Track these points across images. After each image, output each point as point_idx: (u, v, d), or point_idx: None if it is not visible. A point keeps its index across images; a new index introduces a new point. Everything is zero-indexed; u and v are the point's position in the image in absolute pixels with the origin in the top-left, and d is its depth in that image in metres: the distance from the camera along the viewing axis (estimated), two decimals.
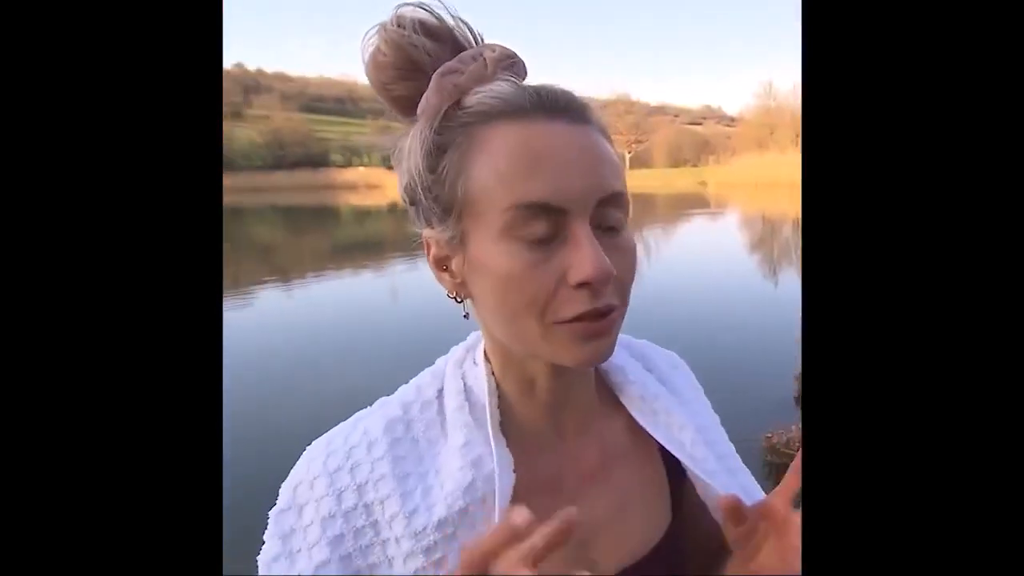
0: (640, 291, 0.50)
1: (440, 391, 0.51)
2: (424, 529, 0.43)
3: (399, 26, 0.44)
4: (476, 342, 0.53)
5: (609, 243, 0.42)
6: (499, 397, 0.49)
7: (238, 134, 70.63)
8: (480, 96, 0.43)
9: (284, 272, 10.57)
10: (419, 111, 0.45)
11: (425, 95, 0.44)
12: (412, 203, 0.46)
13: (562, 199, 0.40)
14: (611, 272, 0.40)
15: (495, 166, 0.41)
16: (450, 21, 0.45)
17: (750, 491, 0.55)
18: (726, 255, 10.86)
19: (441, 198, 0.43)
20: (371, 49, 0.45)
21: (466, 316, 0.49)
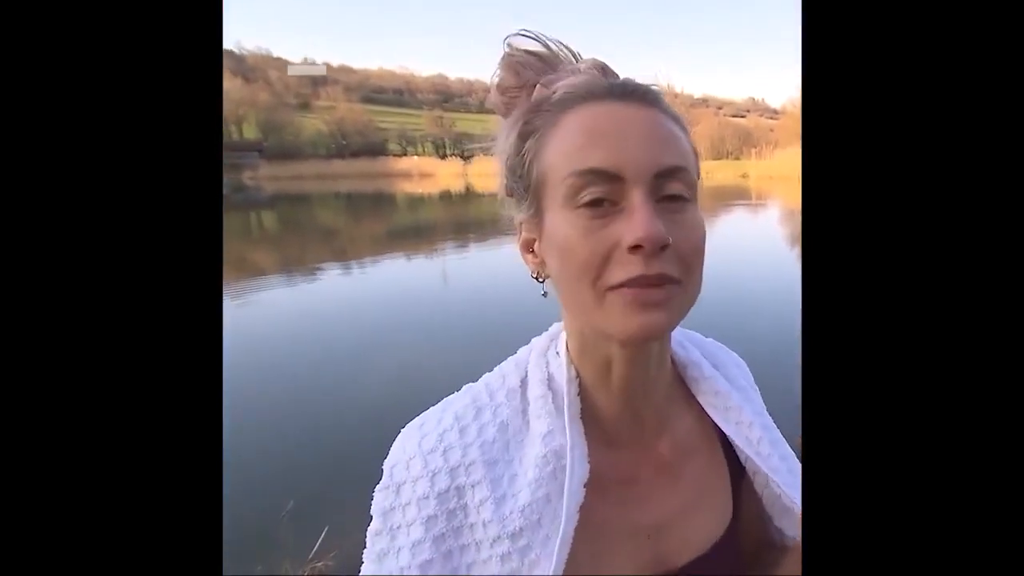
0: None
1: (524, 379, 0.51)
2: (511, 514, 0.44)
3: (512, 53, 0.48)
4: (559, 332, 0.52)
5: (671, 217, 0.41)
6: (579, 385, 0.49)
7: (306, 124, 72.24)
8: (562, 86, 0.45)
9: (344, 254, 10.77)
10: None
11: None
12: (509, 193, 0.48)
13: (617, 166, 0.40)
14: (663, 237, 0.39)
15: (562, 142, 0.42)
16: (553, 46, 0.48)
17: None
18: (766, 248, 10.40)
19: (523, 179, 0.45)
20: (496, 79, 0.49)
21: (544, 295, 0.49)
